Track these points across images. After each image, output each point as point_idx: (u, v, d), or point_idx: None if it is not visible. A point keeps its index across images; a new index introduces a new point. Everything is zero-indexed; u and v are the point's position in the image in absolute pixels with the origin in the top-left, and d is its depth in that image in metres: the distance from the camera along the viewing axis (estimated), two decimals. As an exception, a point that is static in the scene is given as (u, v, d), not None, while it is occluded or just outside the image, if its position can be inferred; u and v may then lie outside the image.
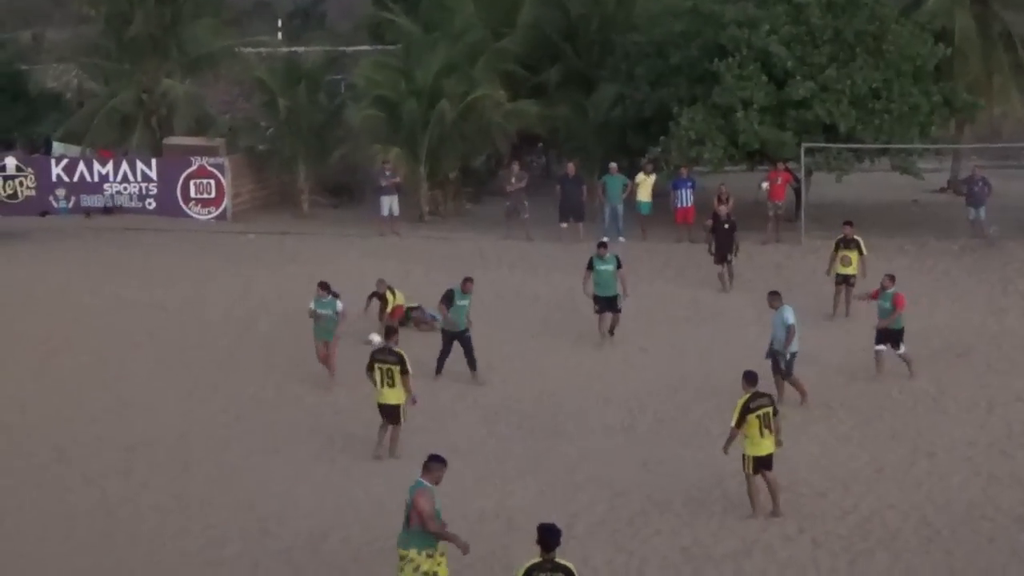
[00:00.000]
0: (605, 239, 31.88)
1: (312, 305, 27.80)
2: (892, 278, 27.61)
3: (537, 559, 14.83)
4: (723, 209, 35.42)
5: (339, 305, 27.72)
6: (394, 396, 23.19)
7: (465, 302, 27.99)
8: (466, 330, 27.97)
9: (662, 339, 30.30)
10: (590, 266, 30.20)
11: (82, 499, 21.89)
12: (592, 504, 21.37)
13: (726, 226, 34.72)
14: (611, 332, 30.07)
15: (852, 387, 26.98)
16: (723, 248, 34.75)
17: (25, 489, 22.30)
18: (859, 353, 28.46)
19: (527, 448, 24.17)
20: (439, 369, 28.03)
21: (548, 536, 14.91)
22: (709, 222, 35.74)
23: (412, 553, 16.51)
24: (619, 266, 30.04)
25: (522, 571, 14.81)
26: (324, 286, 27.76)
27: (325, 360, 27.68)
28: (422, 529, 16.43)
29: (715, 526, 20.48)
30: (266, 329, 31.74)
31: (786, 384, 25.85)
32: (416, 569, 16.49)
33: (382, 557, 18.82)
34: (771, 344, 26.05)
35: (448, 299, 28.00)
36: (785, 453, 20.45)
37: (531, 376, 28.21)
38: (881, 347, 27.46)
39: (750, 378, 20.70)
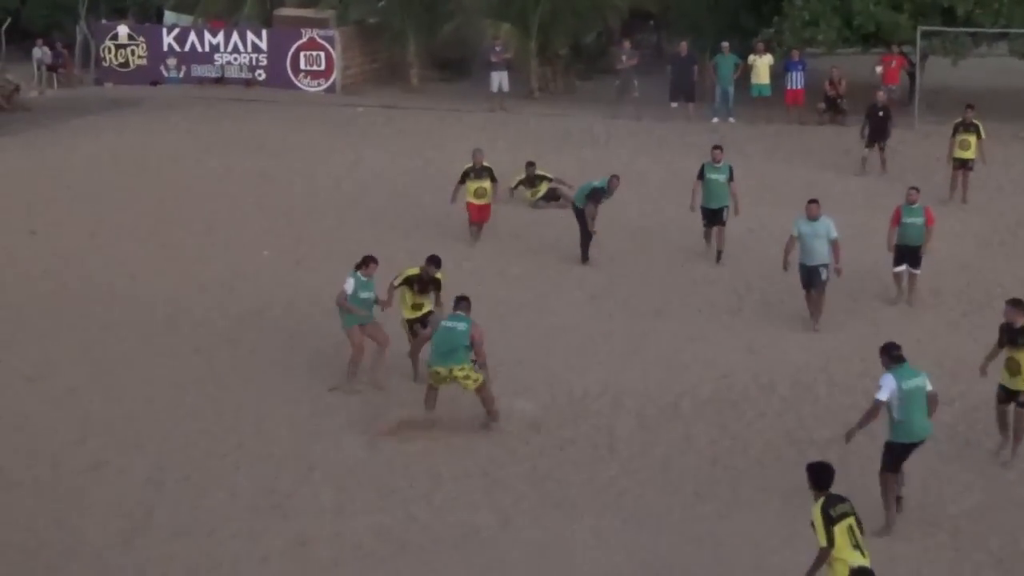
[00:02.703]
0: (716, 123, 31.38)
1: (351, 286, 21.27)
2: (917, 189, 25.28)
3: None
4: (881, 96, 34.71)
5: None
6: None
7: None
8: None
9: (770, 221, 29.98)
10: (700, 174, 27.91)
11: (191, 367, 22.17)
12: (697, 385, 21.39)
13: (880, 113, 34.16)
14: (718, 258, 27.79)
15: (962, 274, 26.65)
16: (875, 134, 34.20)
17: (135, 356, 22.58)
18: (970, 239, 28.10)
19: (632, 327, 24.17)
20: (585, 256, 27.72)
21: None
22: (821, 105, 35.17)
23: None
24: (731, 178, 27.74)
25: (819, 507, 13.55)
26: (375, 261, 21.60)
27: (361, 348, 21.32)
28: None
29: (820, 410, 20.46)
30: (374, 202, 31.80)
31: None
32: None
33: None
34: (804, 260, 24.14)
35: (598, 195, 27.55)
36: (890, 338, 20.16)
37: (636, 255, 28.12)
38: (901, 267, 25.22)
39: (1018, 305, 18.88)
